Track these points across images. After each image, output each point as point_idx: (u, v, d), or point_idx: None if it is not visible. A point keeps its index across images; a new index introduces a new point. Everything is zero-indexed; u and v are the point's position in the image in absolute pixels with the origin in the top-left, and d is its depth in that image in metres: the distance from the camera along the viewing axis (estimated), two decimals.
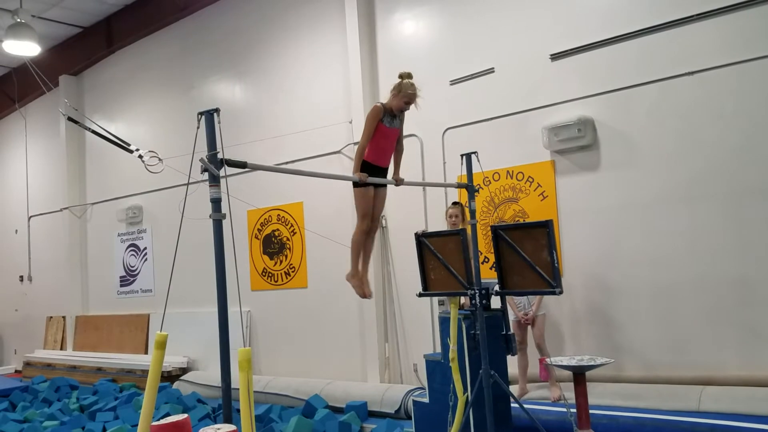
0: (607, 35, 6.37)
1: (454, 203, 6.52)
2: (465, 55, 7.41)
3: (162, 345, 2.95)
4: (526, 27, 6.96)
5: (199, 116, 3.20)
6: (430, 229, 7.11)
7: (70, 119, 6.72)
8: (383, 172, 4.93)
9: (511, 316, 6.24)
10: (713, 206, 5.83)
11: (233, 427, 2.87)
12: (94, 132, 6.41)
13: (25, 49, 10.21)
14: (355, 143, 8.06)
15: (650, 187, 6.15)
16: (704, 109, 5.88)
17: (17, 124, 13.96)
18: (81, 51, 12.19)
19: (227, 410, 3.02)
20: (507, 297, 5.32)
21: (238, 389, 2.83)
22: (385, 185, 5.00)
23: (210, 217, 3.14)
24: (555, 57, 6.71)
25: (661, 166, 6.10)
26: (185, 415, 2.91)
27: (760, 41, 5.61)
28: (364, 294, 5.13)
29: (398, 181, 4.96)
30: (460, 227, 6.04)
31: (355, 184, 4.81)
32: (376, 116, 4.72)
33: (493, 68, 7.17)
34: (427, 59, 7.75)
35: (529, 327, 6.26)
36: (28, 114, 13.69)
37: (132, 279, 11.44)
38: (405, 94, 4.79)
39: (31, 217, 13.63)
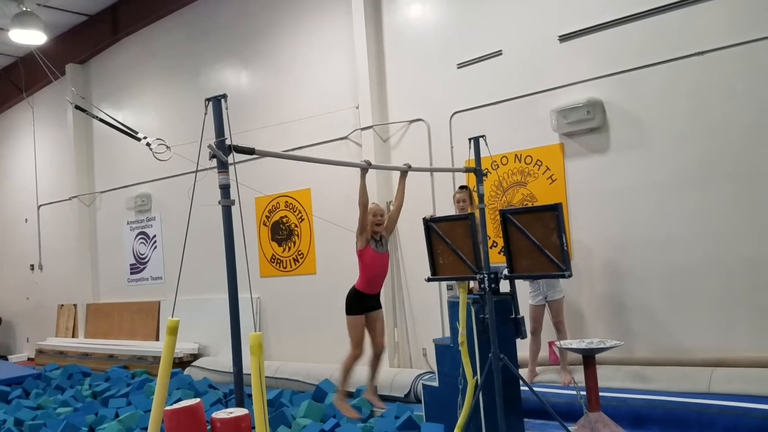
0: (615, 16, 6.30)
1: (461, 187, 6.50)
2: (472, 37, 7.35)
3: (174, 331, 2.97)
4: (533, 8, 6.90)
5: (207, 102, 3.19)
6: (438, 214, 7.10)
7: (77, 108, 6.72)
8: (375, 298, 5.03)
9: (530, 300, 6.24)
10: (724, 187, 5.78)
11: (245, 410, 2.90)
12: (101, 120, 6.40)
13: (31, 37, 10.21)
14: (363, 128, 8.06)
15: (660, 169, 6.10)
16: (714, 90, 5.82)
17: (25, 114, 13.99)
18: (87, 39, 12.19)
19: (239, 394, 3.04)
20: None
21: (249, 374, 2.85)
22: (379, 309, 5.10)
23: (219, 203, 3.14)
24: (563, 38, 6.65)
25: (671, 148, 6.05)
26: (198, 400, 2.93)
27: None
28: (352, 416, 5.32)
29: (408, 166, 4.97)
30: (468, 211, 6.04)
31: (348, 312, 4.97)
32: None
33: (500, 51, 7.11)
34: (433, 42, 7.70)
35: (547, 310, 6.25)
36: (35, 103, 13.72)
37: (142, 267, 11.50)
38: (371, 216, 4.95)
39: (40, 206, 13.70)
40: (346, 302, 4.95)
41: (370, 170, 4.89)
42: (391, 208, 5.38)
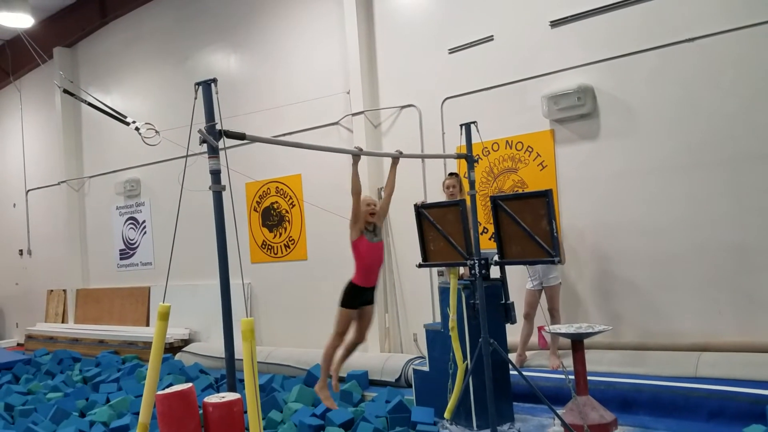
0: (607, 1, 6.29)
1: (451, 174, 6.50)
2: (463, 22, 7.32)
3: (165, 316, 2.98)
4: None
5: (197, 87, 3.17)
6: (429, 200, 7.12)
7: (65, 91, 6.65)
8: (371, 291, 5.01)
9: (527, 285, 6.28)
10: (712, 174, 5.82)
11: (237, 395, 2.91)
12: (90, 104, 6.35)
13: (18, 20, 10.05)
14: (354, 114, 8.03)
15: (650, 156, 6.13)
16: (704, 76, 5.85)
17: (12, 97, 13.84)
18: (74, 22, 12.04)
19: (231, 379, 3.06)
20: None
21: (240, 359, 2.86)
22: (372, 304, 5.08)
23: (210, 188, 3.13)
24: (555, 24, 6.64)
25: (660, 134, 6.08)
26: (190, 385, 2.94)
27: (760, 7, 5.54)
28: (331, 405, 5.32)
29: (399, 153, 4.97)
30: (458, 198, 6.05)
31: (342, 304, 4.97)
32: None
33: (492, 36, 7.09)
34: (425, 27, 7.67)
35: (543, 295, 6.29)
36: (22, 87, 13.57)
37: (131, 252, 11.46)
38: (364, 206, 4.88)
39: (29, 190, 13.60)
40: (342, 295, 4.93)
41: (361, 157, 4.88)
42: (382, 195, 5.37)
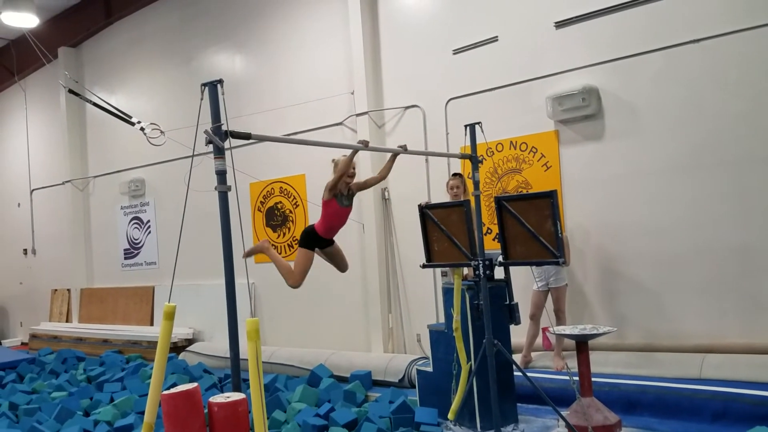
0: (611, 2, 6.29)
1: (455, 174, 6.50)
2: (468, 23, 7.32)
3: (170, 316, 2.98)
4: None
5: (203, 88, 3.18)
6: (433, 201, 7.11)
7: (70, 91, 6.68)
8: (329, 242, 5.08)
9: (533, 286, 6.27)
10: (716, 175, 5.82)
11: (242, 395, 2.92)
12: (94, 104, 6.38)
13: (24, 20, 10.10)
14: (358, 114, 8.04)
15: (654, 157, 6.12)
16: (708, 78, 5.84)
17: (17, 97, 13.89)
18: (79, 22, 12.07)
19: (236, 379, 3.06)
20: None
21: (245, 359, 2.87)
22: (333, 243, 5.10)
23: (215, 189, 3.14)
24: (559, 25, 6.64)
25: (665, 135, 6.07)
26: (195, 384, 2.95)
27: (764, 9, 5.54)
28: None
29: (404, 148, 4.94)
30: (461, 198, 6.05)
31: (301, 245, 5.00)
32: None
33: (496, 37, 7.09)
34: (429, 28, 7.67)
35: (550, 297, 6.29)
36: (27, 87, 13.61)
37: (136, 252, 11.48)
38: (348, 171, 4.84)
39: (33, 190, 13.63)
40: (301, 236, 5.05)
41: (365, 153, 4.90)
42: (375, 175, 5.37)
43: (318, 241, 5.01)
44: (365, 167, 7.37)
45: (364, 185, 5.15)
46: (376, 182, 5.23)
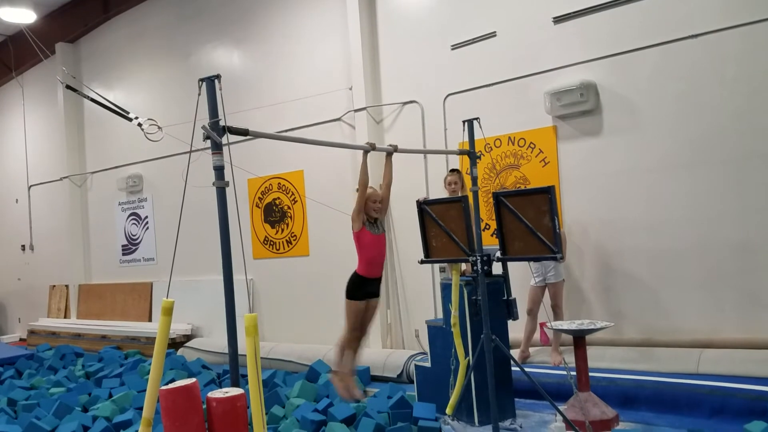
0: None
1: (452, 170, 6.51)
2: (466, 18, 7.32)
3: (169, 312, 2.98)
4: None
5: (200, 83, 3.17)
6: (431, 197, 7.12)
7: (68, 87, 6.66)
8: (376, 283, 4.79)
9: (531, 281, 6.28)
10: (715, 171, 5.82)
11: (241, 390, 2.92)
12: (92, 100, 6.36)
13: (21, 15, 10.09)
14: (356, 110, 8.03)
15: (652, 153, 6.13)
16: (706, 73, 5.84)
17: (14, 93, 13.84)
18: (77, 18, 12.03)
19: (234, 374, 3.06)
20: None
21: (243, 355, 2.87)
22: (377, 297, 4.83)
23: (213, 184, 3.13)
24: (558, 20, 6.63)
25: (663, 131, 6.07)
26: (193, 380, 2.95)
27: (763, 3, 5.54)
28: (351, 396, 4.92)
29: (394, 147, 4.86)
30: (459, 194, 6.05)
31: (348, 296, 4.69)
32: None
33: (495, 32, 7.09)
34: (427, 23, 7.66)
35: (547, 292, 6.30)
36: (25, 82, 13.57)
37: (134, 248, 11.48)
38: (371, 203, 4.66)
39: (31, 186, 13.61)
40: (347, 286, 4.73)
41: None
42: (382, 185, 5.28)
43: (365, 285, 4.68)
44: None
45: (384, 206, 4.84)
46: (388, 191, 4.95)
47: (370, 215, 4.66)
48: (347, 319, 4.77)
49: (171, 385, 2.89)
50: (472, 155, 5.13)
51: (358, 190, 4.62)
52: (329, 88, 8.39)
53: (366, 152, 4.59)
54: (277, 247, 9.22)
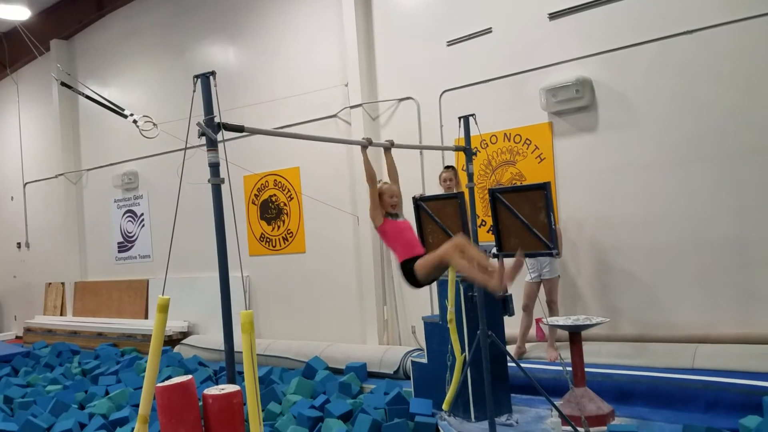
0: None
1: (447, 167, 6.51)
2: (462, 15, 7.31)
3: (165, 309, 2.98)
4: None
5: (195, 80, 3.16)
6: (427, 193, 7.11)
7: (63, 84, 6.64)
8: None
9: (526, 277, 6.29)
10: (711, 167, 5.83)
11: (237, 387, 2.92)
12: (87, 97, 6.34)
13: (15, 12, 10.06)
14: (352, 106, 8.02)
15: (648, 149, 6.14)
16: (703, 69, 5.84)
17: (9, 90, 13.80)
18: (71, 14, 11.98)
19: (230, 371, 3.07)
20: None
21: (239, 352, 2.87)
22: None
23: (209, 181, 3.13)
24: (553, 16, 6.63)
25: (658, 127, 6.08)
26: (189, 377, 2.95)
27: None
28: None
29: (391, 143, 4.84)
30: (454, 191, 6.05)
31: (418, 285, 4.30)
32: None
33: (490, 28, 7.08)
34: (423, 19, 7.65)
35: (542, 288, 6.31)
36: (19, 79, 13.53)
37: (130, 245, 11.46)
38: (387, 198, 4.50)
39: (26, 183, 13.57)
40: (407, 279, 4.35)
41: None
42: (390, 180, 5.21)
43: (412, 262, 4.29)
44: (360, 164, 7.34)
45: (400, 199, 4.77)
46: (397, 183, 4.86)
47: (389, 211, 4.58)
48: (428, 264, 4.20)
49: (167, 382, 2.89)
50: (468, 151, 5.13)
51: (371, 184, 4.47)
52: (325, 84, 8.37)
53: (364, 148, 4.57)
54: (273, 244, 9.21)
